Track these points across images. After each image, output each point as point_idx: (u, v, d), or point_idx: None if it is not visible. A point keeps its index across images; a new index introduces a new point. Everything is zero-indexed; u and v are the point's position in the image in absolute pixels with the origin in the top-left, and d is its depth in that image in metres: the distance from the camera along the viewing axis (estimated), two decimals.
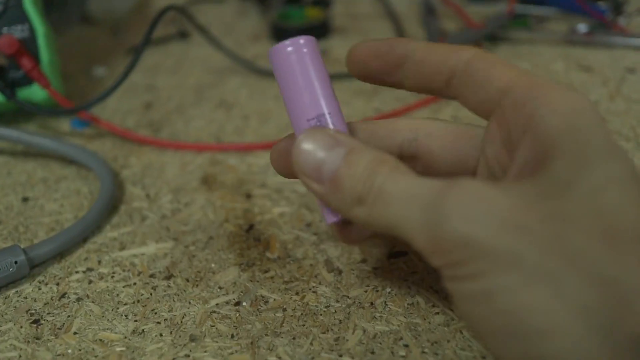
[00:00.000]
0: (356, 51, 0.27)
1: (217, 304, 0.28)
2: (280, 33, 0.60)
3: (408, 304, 0.28)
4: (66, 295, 0.29)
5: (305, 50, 0.25)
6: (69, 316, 0.28)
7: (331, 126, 0.24)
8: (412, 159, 0.27)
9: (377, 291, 0.29)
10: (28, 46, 0.43)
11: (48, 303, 0.29)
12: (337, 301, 0.28)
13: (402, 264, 0.30)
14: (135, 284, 0.30)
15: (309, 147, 0.23)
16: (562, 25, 0.59)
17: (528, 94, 0.22)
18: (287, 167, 0.27)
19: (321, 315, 0.27)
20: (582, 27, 0.56)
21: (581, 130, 0.20)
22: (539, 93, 0.22)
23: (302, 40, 0.25)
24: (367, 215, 0.22)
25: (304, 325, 0.27)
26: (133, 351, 0.26)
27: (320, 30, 0.60)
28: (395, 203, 0.21)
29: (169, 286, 0.30)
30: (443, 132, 0.27)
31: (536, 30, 0.58)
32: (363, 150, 0.23)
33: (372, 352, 0.25)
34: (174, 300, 0.29)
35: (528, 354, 0.18)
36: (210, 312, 0.28)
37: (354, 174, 0.22)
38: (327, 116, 0.24)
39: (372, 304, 0.28)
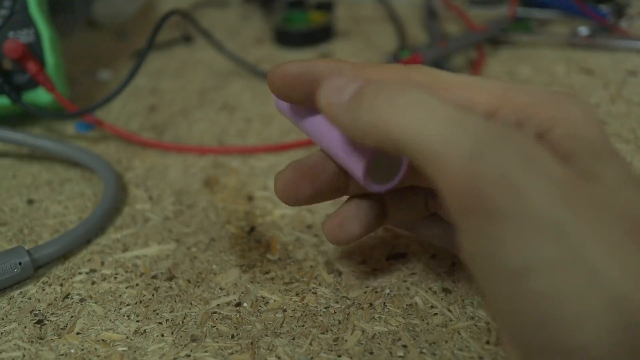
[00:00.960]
0: (275, 78, 0.25)
1: (218, 305, 0.29)
2: (284, 37, 0.60)
3: (407, 305, 0.28)
4: (69, 296, 0.30)
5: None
6: (72, 316, 0.29)
7: None
8: None
9: (376, 292, 0.29)
10: (33, 50, 0.43)
11: (52, 304, 0.29)
12: (337, 302, 0.28)
13: (401, 265, 0.30)
14: (137, 285, 0.30)
15: (338, 77, 0.22)
16: (564, 28, 0.60)
17: (520, 117, 0.21)
18: (293, 195, 0.26)
19: (321, 316, 0.28)
20: (584, 30, 0.57)
21: (584, 135, 0.20)
22: (532, 111, 0.21)
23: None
24: (384, 121, 0.20)
25: (303, 325, 0.27)
26: (135, 351, 0.26)
27: (323, 34, 0.60)
28: (433, 119, 0.19)
29: (170, 287, 0.30)
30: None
31: (538, 33, 0.58)
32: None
33: (371, 353, 0.25)
34: (175, 301, 0.29)
35: (555, 343, 0.17)
36: (211, 313, 0.28)
37: (380, 84, 0.21)
38: None
39: (371, 304, 0.28)
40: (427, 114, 0.19)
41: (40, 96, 0.44)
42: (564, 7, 0.61)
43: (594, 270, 0.16)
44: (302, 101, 0.25)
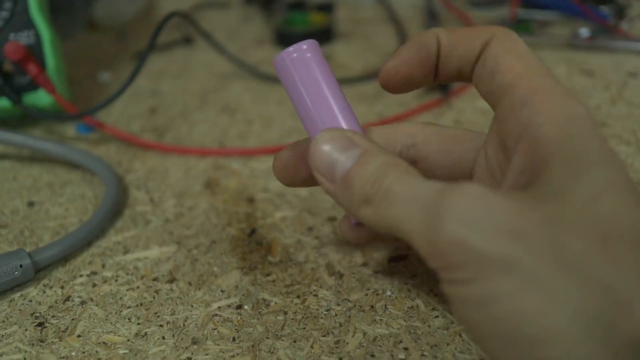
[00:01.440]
0: (392, 72, 0.26)
1: (219, 307, 0.29)
2: (284, 38, 0.60)
3: (408, 307, 0.28)
4: (70, 298, 0.30)
5: (309, 55, 0.25)
6: (73, 319, 0.29)
7: (345, 127, 0.25)
8: (411, 165, 0.27)
9: (377, 294, 0.29)
10: (34, 52, 0.43)
11: (52, 306, 0.29)
12: (338, 304, 0.28)
13: (402, 267, 0.30)
14: (138, 287, 0.30)
15: (326, 147, 0.23)
16: (565, 30, 0.60)
17: (525, 98, 0.22)
18: (290, 176, 0.28)
19: (322, 318, 0.28)
20: (585, 32, 0.57)
21: (576, 138, 0.20)
22: (537, 99, 0.22)
23: (304, 45, 0.25)
24: (373, 215, 0.22)
25: (304, 328, 0.27)
26: (136, 354, 0.26)
27: (324, 35, 0.60)
28: (399, 204, 0.21)
29: (171, 289, 0.30)
30: (440, 137, 0.27)
31: (539, 35, 0.58)
32: (376, 152, 0.23)
33: (372, 355, 0.25)
34: (176, 303, 0.29)
35: (530, 358, 0.18)
36: (212, 315, 0.28)
37: (364, 174, 0.22)
38: (341, 119, 0.25)
39: (372, 307, 0.28)
40: (396, 201, 0.21)
41: (41, 98, 0.44)
42: (565, 8, 0.61)
43: (551, 291, 0.18)
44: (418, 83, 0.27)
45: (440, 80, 0.27)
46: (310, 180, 0.27)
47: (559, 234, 0.18)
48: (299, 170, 0.27)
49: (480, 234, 0.18)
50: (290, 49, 0.25)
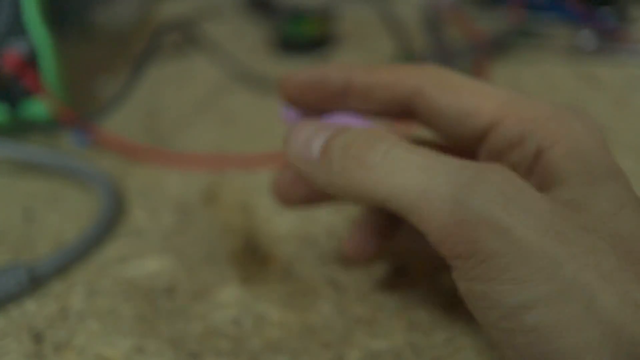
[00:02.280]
0: (288, 84, 0.25)
1: (217, 321, 0.28)
2: (284, 45, 0.60)
3: (409, 321, 0.28)
4: (67, 311, 0.29)
5: None
6: (70, 333, 0.28)
7: None
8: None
9: (378, 308, 0.28)
10: (31, 59, 0.43)
11: (49, 320, 0.29)
12: (338, 317, 0.28)
13: (403, 281, 0.30)
14: (136, 300, 0.30)
15: (302, 130, 0.23)
16: (569, 35, 0.59)
17: (522, 130, 0.21)
18: (288, 197, 0.27)
19: (322, 331, 0.27)
20: (588, 37, 0.56)
21: (585, 155, 0.20)
22: (535, 126, 0.21)
23: None
24: (359, 183, 0.20)
25: (304, 342, 0.27)
26: None
27: (323, 42, 0.60)
28: (404, 171, 0.19)
29: (169, 302, 0.30)
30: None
31: (542, 40, 0.58)
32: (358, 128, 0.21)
33: None
34: (174, 316, 0.29)
35: None
36: (211, 329, 0.28)
37: (345, 139, 0.21)
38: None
39: (373, 320, 0.28)
40: (400, 167, 0.19)
41: (38, 107, 0.44)
42: (569, 13, 0.61)
43: (590, 301, 0.16)
44: (314, 108, 0.25)
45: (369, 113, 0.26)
46: (309, 199, 0.27)
47: (596, 242, 0.17)
48: (297, 189, 0.27)
49: (525, 224, 0.17)
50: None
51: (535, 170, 0.21)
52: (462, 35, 0.61)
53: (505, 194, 0.17)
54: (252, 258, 0.32)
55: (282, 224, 0.35)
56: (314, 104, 0.25)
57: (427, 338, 0.26)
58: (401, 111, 0.24)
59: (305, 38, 0.59)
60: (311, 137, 0.22)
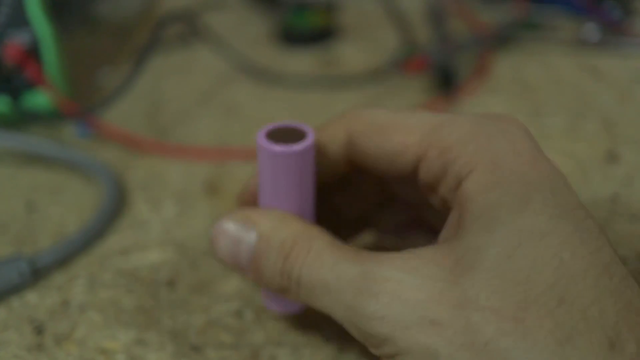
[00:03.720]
0: (243, 199, 0.27)
1: (219, 313, 0.28)
2: (287, 37, 0.59)
3: None
4: (69, 303, 0.29)
5: (296, 161, 0.23)
6: (71, 325, 0.28)
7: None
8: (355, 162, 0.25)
9: None
10: (33, 51, 0.43)
11: (51, 311, 0.29)
12: None
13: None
14: (137, 292, 0.30)
15: (225, 230, 0.23)
16: (573, 28, 0.59)
17: (444, 161, 0.21)
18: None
19: (323, 325, 0.27)
20: (593, 29, 0.56)
21: (494, 187, 0.19)
22: (454, 154, 0.21)
23: (297, 149, 0.22)
24: (299, 300, 0.22)
25: (306, 335, 0.27)
26: None
27: (327, 34, 0.60)
28: (318, 294, 0.21)
29: (171, 294, 0.30)
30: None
31: (546, 33, 0.57)
32: (275, 233, 0.22)
33: None
34: (176, 308, 0.29)
35: None
36: (212, 321, 0.28)
37: (269, 264, 0.22)
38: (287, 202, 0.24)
39: None
40: (318, 291, 0.21)
41: (40, 98, 0.44)
42: (573, 6, 0.61)
43: None
44: None
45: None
46: None
47: (472, 315, 0.18)
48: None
49: (403, 327, 0.19)
50: (279, 149, 0.22)
51: (456, 205, 0.21)
52: (466, 28, 0.61)
53: (384, 306, 0.19)
54: None
55: None
56: None
57: None
58: (346, 163, 0.25)
59: (309, 30, 0.59)
60: (237, 242, 0.23)
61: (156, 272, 0.31)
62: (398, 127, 0.23)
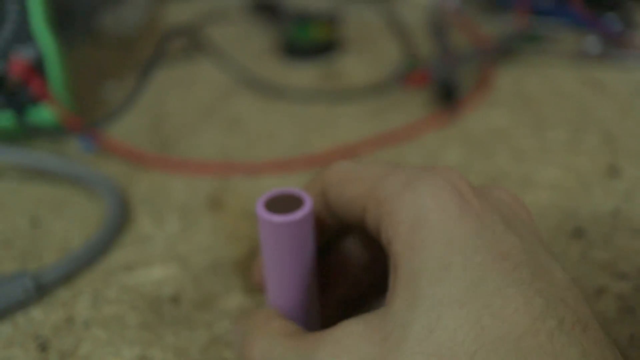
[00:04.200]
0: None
1: (222, 329, 0.28)
2: (290, 50, 0.60)
3: None
4: (73, 319, 0.30)
5: (295, 230, 0.23)
6: (76, 341, 0.28)
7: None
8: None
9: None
10: (38, 66, 0.43)
11: (55, 327, 0.29)
12: None
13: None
14: (141, 308, 0.30)
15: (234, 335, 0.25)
16: (574, 40, 0.59)
17: (378, 217, 0.22)
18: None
19: None
20: (594, 42, 0.56)
21: (417, 251, 0.19)
22: (383, 211, 0.21)
23: (297, 217, 0.23)
24: None
25: None
26: None
27: (330, 47, 0.60)
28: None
29: (174, 310, 0.30)
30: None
31: (547, 45, 0.58)
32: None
33: None
34: (179, 324, 0.29)
35: None
36: (216, 338, 0.28)
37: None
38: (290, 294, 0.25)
39: None
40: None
41: (44, 113, 0.44)
42: (574, 18, 0.61)
43: None
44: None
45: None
46: None
47: None
48: None
49: None
50: (278, 219, 0.22)
51: (390, 266, 0.21)
52: (468, 40, 0.61)
53: None
54: None
55: None
56: None
57: None
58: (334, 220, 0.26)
59: (311, 43, 0.59)
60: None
61: (160, 288, 0.31)
62: (353, 179, 0.23)
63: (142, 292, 0.31)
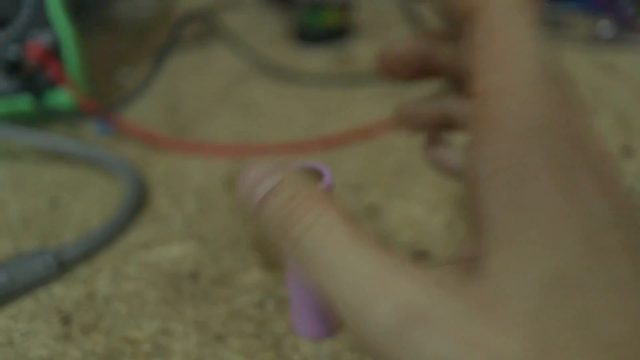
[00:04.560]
0: (388, 59, 0.25)
1: (241, 304, 0.29)
2: (303, 36, 0.60)
3: None
4: (94, 295, 0.30)
5: None
6: (97, 315, 0.29)
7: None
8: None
9: None
10: (55, 50, 0.44)
11: (77, 303, 0.30)
12: None
13: (424, 262, 0.30)
14: (161, 284, 0.31)
15: (250, 169, 0.20)
16: (588, 24, 0.59)
17: (472, 131, 0.18)
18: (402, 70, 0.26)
19: None
20: (607, 26, 0.56)
21: (517, 206, 0.16)
22: (481, 137, 0.17)
23: None
24: (296, 261, 0.18)
25: None
26: (159, 350, 0.27)
27: (343, 33, 0.60)
28: (318, 271, 0.17)
29: (193, 286, 0.30)
30: None
31: (561, 29, 0.57)
32: (297, 180, 0.19)
33: None
34: (198, 300, 0.29)
35: None
36: (235, 312, 0.28)
37: (275, 201, 0.18)
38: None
39: None
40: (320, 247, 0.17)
41: (61, 96, 0.44)
42: (588, 3, 0.61)
43: None
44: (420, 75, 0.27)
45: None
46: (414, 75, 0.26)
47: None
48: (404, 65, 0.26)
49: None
50: None
51: (473, 213, 0.17)
52: None
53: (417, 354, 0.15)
54: None
55: None
56: (418, 73, 0.26)
57: None
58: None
59: (324, 28, 0.59)
60: (255, 185, 0.19)
61: (178, 265, 0.32)
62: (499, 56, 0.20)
63: (161, 269, 0.32)
